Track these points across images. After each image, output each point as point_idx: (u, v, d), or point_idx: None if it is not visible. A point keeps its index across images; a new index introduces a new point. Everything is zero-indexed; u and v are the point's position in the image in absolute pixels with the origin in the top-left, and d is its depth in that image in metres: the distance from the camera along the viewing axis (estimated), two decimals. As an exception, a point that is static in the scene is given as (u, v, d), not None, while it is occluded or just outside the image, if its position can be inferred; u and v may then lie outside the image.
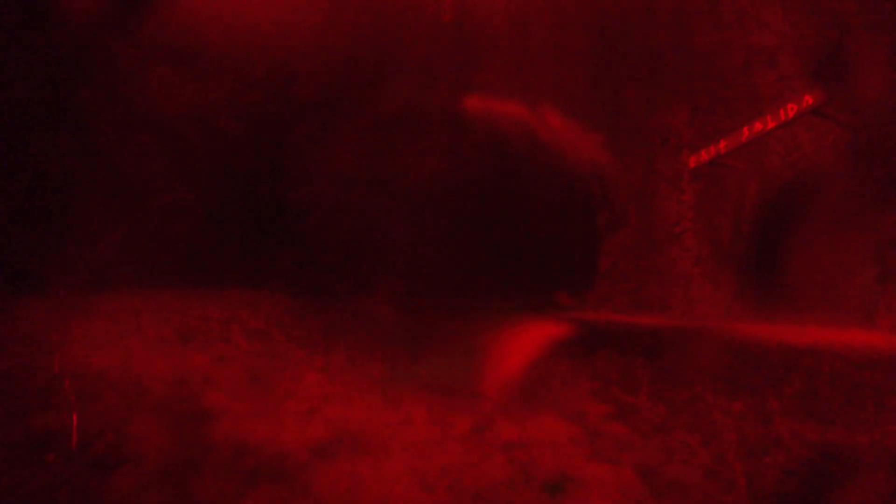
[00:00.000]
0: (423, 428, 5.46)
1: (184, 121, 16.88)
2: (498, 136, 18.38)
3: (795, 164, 12.18)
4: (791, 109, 10.59)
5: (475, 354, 8.09)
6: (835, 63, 11.39)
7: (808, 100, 10.27)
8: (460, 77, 18.77)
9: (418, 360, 8.68)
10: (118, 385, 5.76)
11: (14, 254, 11.43)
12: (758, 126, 11.31)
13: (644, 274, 14.92)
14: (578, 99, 17.47)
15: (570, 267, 17.38)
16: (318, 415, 5.60)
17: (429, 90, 19.07)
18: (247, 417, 5.38)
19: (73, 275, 11.79)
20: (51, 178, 13.60)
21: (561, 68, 18.33)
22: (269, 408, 5.64)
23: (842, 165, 11.30)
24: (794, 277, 12.01)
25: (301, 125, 18.72)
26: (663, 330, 10.32)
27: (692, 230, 13.95)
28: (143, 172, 16.00)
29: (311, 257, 19.59)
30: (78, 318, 8.00)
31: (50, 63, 14.10)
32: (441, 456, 4.91)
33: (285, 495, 4.18)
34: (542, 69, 18.59)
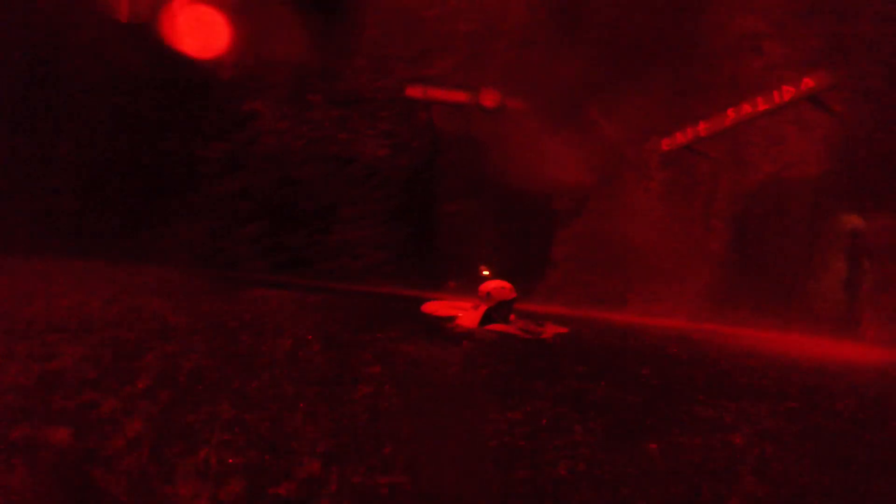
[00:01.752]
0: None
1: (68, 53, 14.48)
2: (447, 116, 17.09)
3: (777, 158, 11.42)
4: (787, 92, 9.72)
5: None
6: (831, 54, 10.65)
7: (809, 83, 9.42)
8: (415, 59, 17.41)
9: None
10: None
11: None
12: (746, 108, 10.42)
13: (602, 266, 13.91)
14: (539, 77, 16.30)
15: (515, 255, 16.22)
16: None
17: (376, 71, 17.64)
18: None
19: None
20: None
21: (523, 44, 17.14)
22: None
23: (829, 163, 10.55)
24: (767, 279, 11.26)
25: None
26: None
27: (657, 221, 13.03)
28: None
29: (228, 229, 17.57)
30: None
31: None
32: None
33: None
34: (499, 46, 17.34)
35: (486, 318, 5.60)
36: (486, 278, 16.56)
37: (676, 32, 13.32)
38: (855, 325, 9.47)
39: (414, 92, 15.56)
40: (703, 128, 11.31)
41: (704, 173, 12.57)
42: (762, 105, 10.12)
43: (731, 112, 10.73)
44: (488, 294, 5.65)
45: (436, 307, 6.57)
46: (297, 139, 18.19)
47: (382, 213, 18.21)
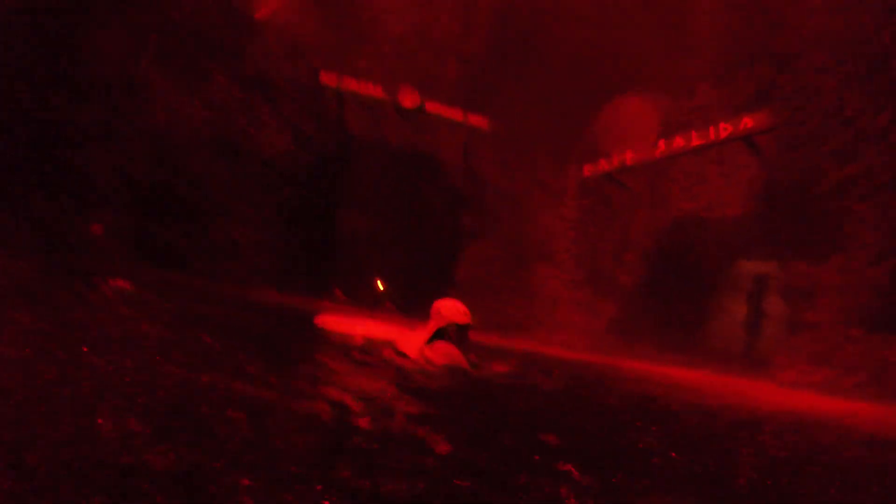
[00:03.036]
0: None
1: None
2: (360, 114, 15.95)
3: (696, 197, 11.22)
4: (724, 130, 9.49)
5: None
6: (765, 101, 10.64)
7: (748, 123, 9.22)
8: (332, 49, 16.24)
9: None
10: None
11: None
12: (678, 142, 10.13)
13: (506, 290, 13.12)
14: (461, 88, 15.61)
15: (415, 270, 15.10)
16: None
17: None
18: None
19: None
20: None
21: (449, 54, 16.49)
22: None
23: (750, 206, 10.41)
24: (676, 316, 10.90)
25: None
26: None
27: (569, 249, 12.48)
28: None
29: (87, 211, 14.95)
30: None
31: None
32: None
33: None
34: (426, 53, 16.57)
35: (436, 336, 4.36)
36: (383, 294, 15.37)
37: (611, 64, 13.11)
38: (760, 367, 9.18)
39: (328, 80, 14.16)
40: (629, 157, 10.95)
41: (622, 205, 12.22)
42: (696, 140, 9.87)
43: (661, 144, 10.42)
44: (439, 312, 4.44)
45: (332, 321, 5.39)
46: (187, 116, 16.14)
47: (275, 213, 16.48)
